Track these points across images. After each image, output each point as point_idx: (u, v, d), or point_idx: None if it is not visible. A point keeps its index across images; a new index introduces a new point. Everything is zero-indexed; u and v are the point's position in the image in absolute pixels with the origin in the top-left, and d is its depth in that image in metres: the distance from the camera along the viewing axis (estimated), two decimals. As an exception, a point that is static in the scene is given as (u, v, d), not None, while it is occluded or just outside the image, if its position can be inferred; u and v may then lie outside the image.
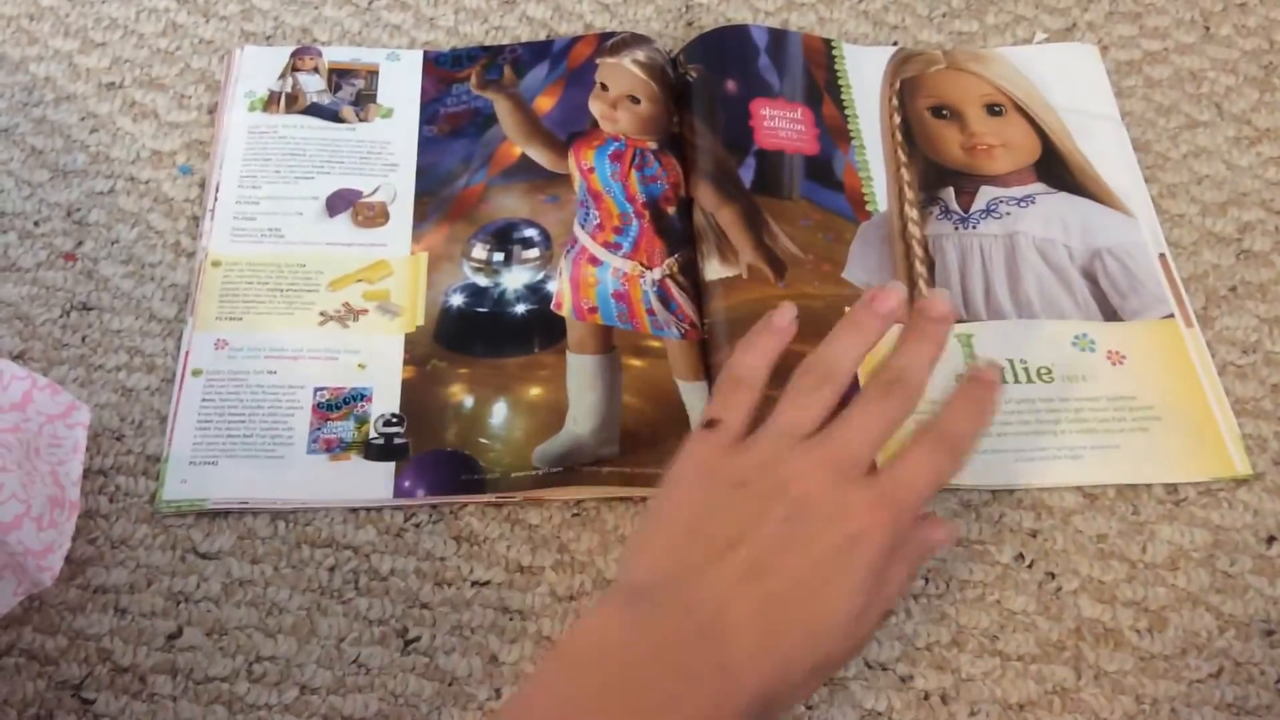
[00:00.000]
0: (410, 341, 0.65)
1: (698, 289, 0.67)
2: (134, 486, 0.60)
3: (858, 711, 0.56)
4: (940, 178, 0.71)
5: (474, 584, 0.58)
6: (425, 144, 0.72)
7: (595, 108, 0.73)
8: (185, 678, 0.56)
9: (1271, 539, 0.60)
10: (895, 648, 0.57)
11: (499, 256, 0.68)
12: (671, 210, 0.69)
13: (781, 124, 0.72)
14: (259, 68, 0.75)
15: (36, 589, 0.53)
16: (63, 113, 0.73)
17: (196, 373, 0.63)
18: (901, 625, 0.58)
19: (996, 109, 0.73)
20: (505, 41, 0.77)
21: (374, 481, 0.60)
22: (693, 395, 0.63)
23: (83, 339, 0.65)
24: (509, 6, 0.79)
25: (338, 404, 0.63)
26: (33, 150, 0.71)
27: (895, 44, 0.78)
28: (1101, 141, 0.73)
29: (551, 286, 0.67)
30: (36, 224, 0.69)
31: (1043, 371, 0.64)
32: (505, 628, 0.57)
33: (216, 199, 0.69)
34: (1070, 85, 0.75)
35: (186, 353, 0.64)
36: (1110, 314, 0.66)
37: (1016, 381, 0.63)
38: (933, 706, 0.56)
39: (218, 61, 0.75)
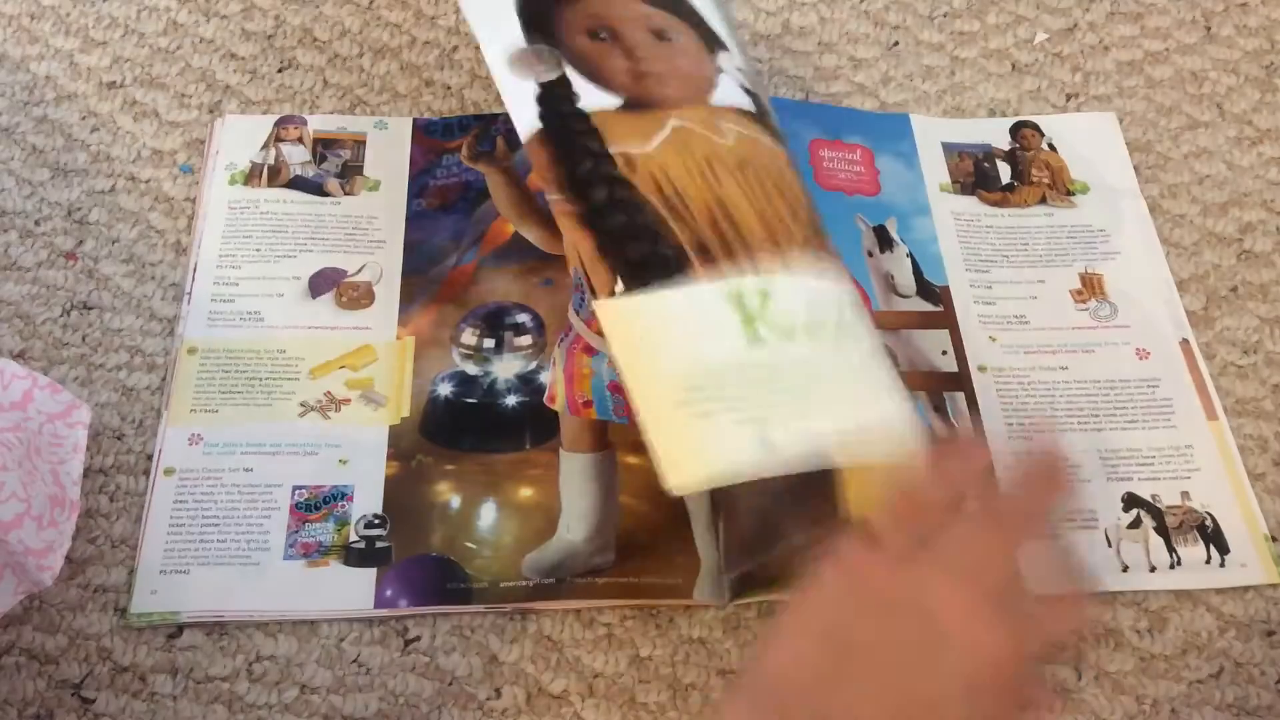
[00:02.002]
0: (395, 434, 0.62)
1: None
2: (134, 486, 0.60)
3: (858, 711, 0.56)
4: None
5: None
6: (414, 218, 0.69)
7: None
8: (185, 677, 0.56)
9: (1274, 539, 0.60)
10: (895, 648, 0.57)
11: (490, 343, 0.65)
12: None
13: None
14: (240, 138, 0.72)
15: (36, 589, 0.53)
16: (63, 112, 0.73)
17: (169, 472, 0.60)
18: (901, 625, 0.58)
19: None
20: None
21: (354, 590, 0.57)
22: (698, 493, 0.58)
23: (83, 338, 0.65)
24: (510, 6, 0.79)
25: (317, 504, 0.60)
26: (33, 149, 0.71)
27: (896, 44, 0.78)
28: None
29: (544, 377, 0.64)
30: (37, 223, 0.69)
31: None
32: (505, 628, 0.57)
33: (194, 280, 0.66)
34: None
35: (160, 450, 0.61)
36: None
37: None
38: (933, 707, 0.56)
39: (219, 61, 0.75)
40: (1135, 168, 0.73)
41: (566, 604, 0.58)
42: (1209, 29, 0.79)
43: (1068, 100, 0.76)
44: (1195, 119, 0.75)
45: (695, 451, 0.50)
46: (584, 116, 0.57)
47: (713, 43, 0.61)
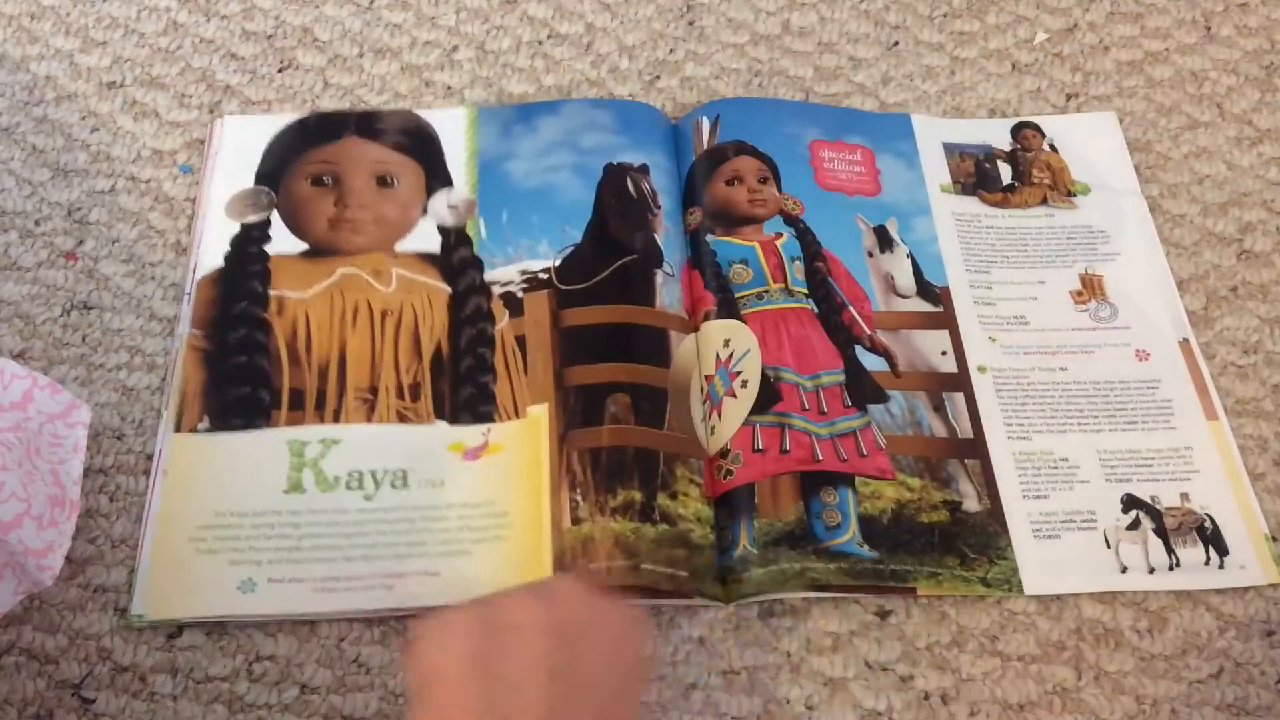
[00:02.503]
0: None
1: None
2: (134, 486, 0.60)
3: (858, 711, 0.56)
4: None
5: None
6: None
7: None
8: (185, 677, 0.56)
9: (1274, 539, 0.60)
10: (895, 648, 0.57)
11: None
12: None
13: None
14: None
15: (37, 588, 0.53)
16: (63, 112, 0.73)
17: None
18: (901, 625, 0.58)
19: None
20: (506, 41, 0.77)
21: None
22: None
23: (83, 338, 0.65)
24: (510, 6, 0.79)
25: None
26: (33, 149, 0.71)
27: (896, 44, 0.78)
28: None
29: None
30: (37, 223, 0.69)
31: None
32: (505, 627, 0.57)
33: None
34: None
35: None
36: None
37: None
38: (933, 706, 0.56)
39: (219, 61, 0.75)
40: (1135, 168, 0.73)
41: None
42: (1209, 29, 0.79)
43: (1068, 100, 0.76)
44: (1195, 119, 0.75)
45: (180, 584, 0.57)
46: (263, 258, 0.66)
47: (440, 181, 0.70)
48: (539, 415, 0.62)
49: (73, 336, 0.65)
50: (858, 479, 0.61)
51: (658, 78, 0.76)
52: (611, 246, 0.67)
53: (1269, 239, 0.70)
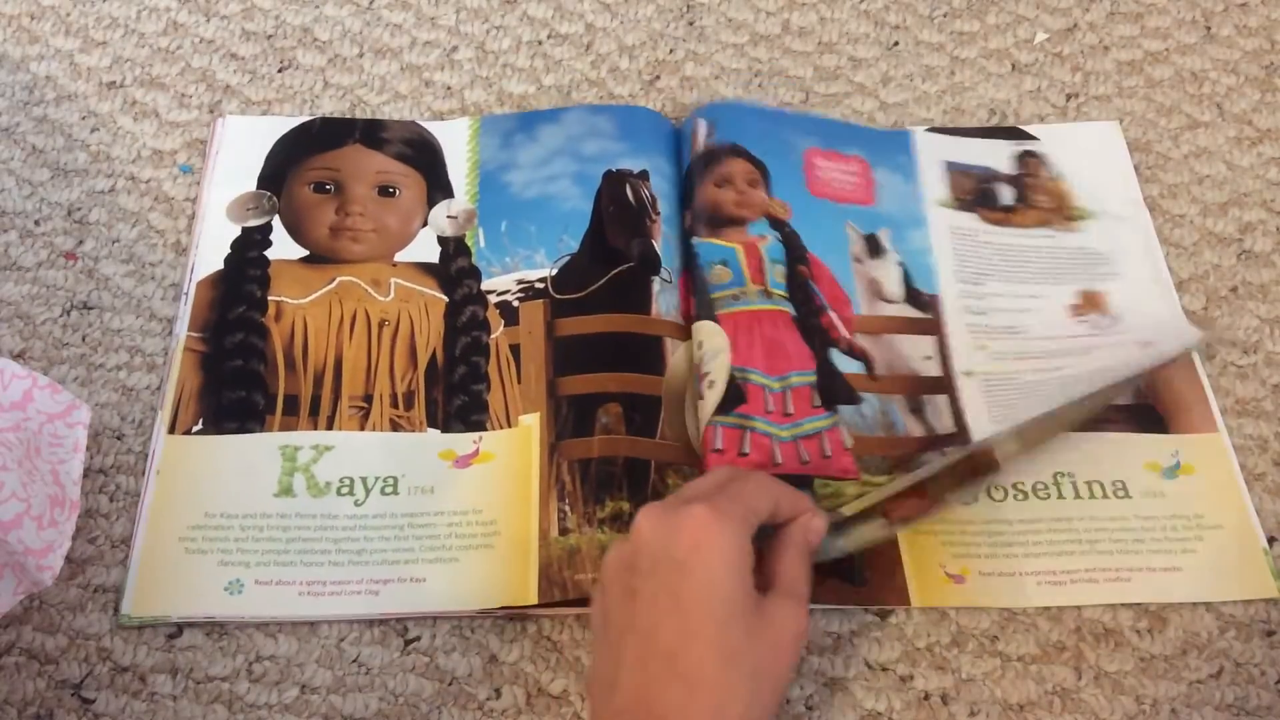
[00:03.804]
0: None
1: None
2: (133, 486, 0.60)
3: (858, 711, 0.56)
4: None
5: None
6: None
7: None
8: (185, 677, 0.56)
9: (1273, 539, 0.60)
10: (895, 648, 0.57)
11: None
12: None
13: None
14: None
15: (36, 588, 0.53)
16: (63, 112, 0.73)
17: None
18: (902, 625, 0.58)
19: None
20: (506, 41, 0.77)
21: None
22: None
23: (83, 338, 0.65)
24: (510, 6, 0.79)
25: None
26: (33, 149, 0.71)
27: (896, 44, 0.78)
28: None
29: None
30: (37, 223, 0.69)
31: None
32: (505, 628, 0.57)
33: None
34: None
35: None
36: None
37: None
38: (933, 706, 0.56)
39: (219, 61, 0.75)
40: (1135, 167, 0.73)
41: (567, 606, 0.57)
42: (1209, 29, 0.79)
43: (1068, 100, 0.76)
44: (1195, 119, 0.75)
45: (168, 583, 0.57)
46: (263, 263, 0.66)
47: (441, 193, 0.70)
48: (530, 424, 0.62)
49: (73, 336, 0.65)
50: (816, 481, 0.60)
51: (658, 78, 0.76)
52: (609, 255, 0.67)
53: (1269, 239, 0.70)
